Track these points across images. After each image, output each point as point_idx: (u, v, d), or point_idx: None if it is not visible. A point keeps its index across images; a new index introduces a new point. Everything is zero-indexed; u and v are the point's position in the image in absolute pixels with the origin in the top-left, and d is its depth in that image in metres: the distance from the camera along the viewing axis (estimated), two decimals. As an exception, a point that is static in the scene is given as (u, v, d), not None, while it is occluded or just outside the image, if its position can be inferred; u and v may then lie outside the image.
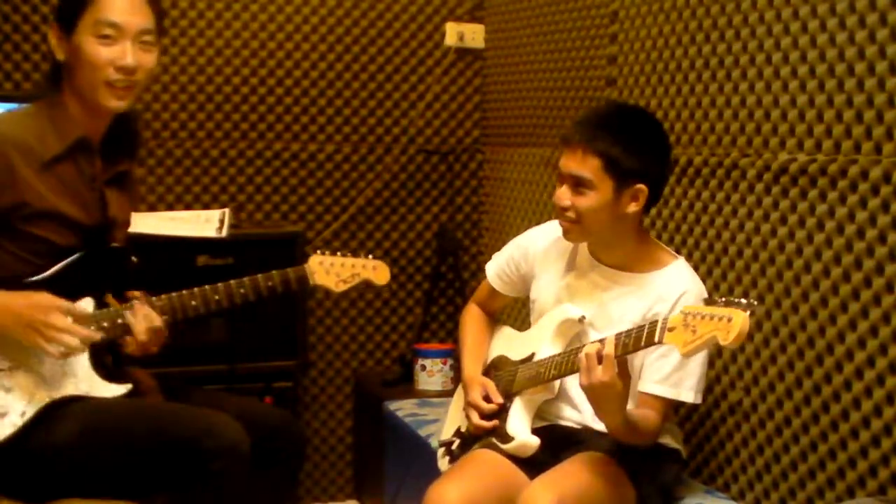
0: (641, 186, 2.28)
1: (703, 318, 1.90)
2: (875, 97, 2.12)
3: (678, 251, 2.54)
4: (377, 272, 2.50)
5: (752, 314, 1.87)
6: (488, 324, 2.69)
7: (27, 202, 2.20)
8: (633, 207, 2.30)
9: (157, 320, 2.28)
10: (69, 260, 2.26)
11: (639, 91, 2.87)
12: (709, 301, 1.94)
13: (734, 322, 1.85)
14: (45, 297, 2.17)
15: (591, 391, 2.11)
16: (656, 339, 2.00)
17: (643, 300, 2.34)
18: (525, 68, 3.55)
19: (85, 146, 2.30)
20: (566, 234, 2.38)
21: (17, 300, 2.15)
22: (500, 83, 3.76)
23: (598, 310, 2.38)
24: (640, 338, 2.04)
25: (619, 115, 2.37)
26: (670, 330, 1.97)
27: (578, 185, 2.28)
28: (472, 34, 3.84)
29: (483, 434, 2.43)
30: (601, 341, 2.10)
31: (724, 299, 1.91)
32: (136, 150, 2.49)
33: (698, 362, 2.29)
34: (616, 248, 2.38)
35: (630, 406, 2.22)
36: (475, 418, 2.43)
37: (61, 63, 2.28)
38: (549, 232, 2.51)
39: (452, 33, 3.82)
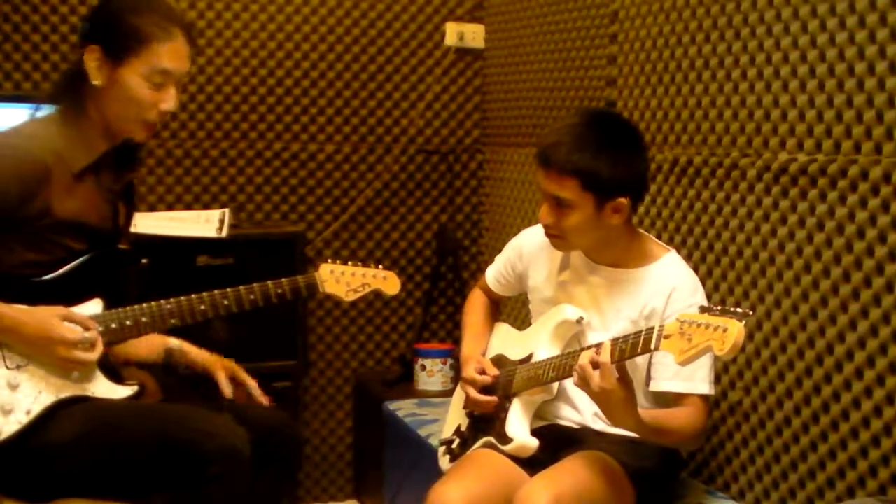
0: (622, 200, 2.27)
1: (698, 326, 1.90)
2: (875, 97, 2.12)
3: (678, 251, 2.53)
4: (388, 282, 2.50)
5: (746, 324, 1.87)
6: (492, 310, 2.72)
7: (52, 212, 2.20)
8: (616, 219, 2.30)
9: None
10: (77, 262, 2.26)
11: (639, 91, 2.87)
12: (704, 308, 1.94)
13: (729, 332, 1.85)
14: (56, 329, 2.17)
15: (594, 398, 2.11)
16: (652, 347, 2.00)
17: (638, 296, 2.34)
18: (525, 68, 3.55)
19: (108, 159, 2.30)
20: (554, 246, 2.41)
21: (29, 330, 2.17)
22: (500, 83, 3.76)
23: (593, 308, 2.39)
24: (637, 345, 2.04)
25: (590, 127, 2.30)
26: (666, 338, 1.97)
27: (559, 204, 2.29)
28: (472, 34, 3.84)
29: (482, 425, 2.45)
30: (597, 348, 2.10)
31: (719, 308, 1.91)
32: (140, 163, 2.49)
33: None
34: (607, 249, 2.38)
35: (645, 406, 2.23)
36: (472, 393, 2.44)
37: (91, 84, 2.26)
38: (542, 231, 2.52)
39: (452, 33, 3.82)
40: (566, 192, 2.26)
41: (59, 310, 2.19)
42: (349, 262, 2.48)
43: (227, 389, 2.43)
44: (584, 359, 2.08)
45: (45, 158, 2.20)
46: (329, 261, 2.47)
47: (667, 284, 2.32)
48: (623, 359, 2.07)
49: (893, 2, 2.08)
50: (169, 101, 2.27)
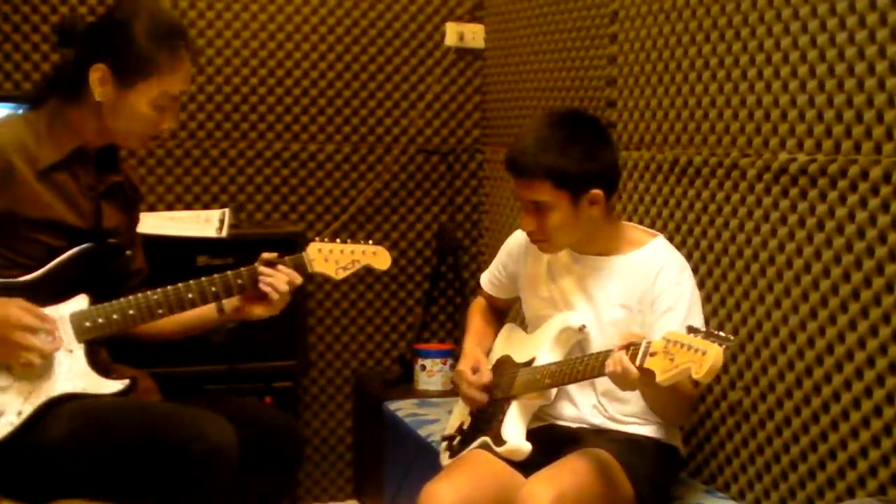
0: (596, 192, 2.32)
1: (681, 346, 1.93)
2: (875, 97, 2.12)
3: (678, 251, 2.54)
4: (377, 257, 2.47)
5: (726, 349, 1.89)
6: (494, 315, 2.74)
7: (18, 211, 2.20)
8: (594, 211, 2.34)
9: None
10: (59, 259, 2.25)
11: (639, 91, 2.87)
12: (692, 329, 1.96)
13: (707, 356, 1.88)
14: (13, 313, 2.15)
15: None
16: (637, 363, 2.03)
17: (627, 281, 2.37)
18: (525, 68, 3.55)
19: (82, 156, 2.30)
20: (542, 250, 2.44)
21: None
22: (500, 83, 3.76)
23: (583, 298, 2.42)
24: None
25: (552, 127, 2.36)
26: (652, 355, 2.00)
27: (537, 208, 2.33)
28: (472, 34, 3.84)
29: (477, 420, 2.46)
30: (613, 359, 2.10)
31: (704, 330, 1.94)
32: (119, 166, 2.45)
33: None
34: (592, 240, 2.42)
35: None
36: (463, 386, 2.48)
37: (89, 95, 2.25)
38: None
39: (452, 33, 3.82)
40: (541, 194, 2.30)
41: (18, 301, 2.18)
42: (337, 240, 2.46)
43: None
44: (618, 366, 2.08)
45: (5, 152, 2.20)
46: (317, 239, 2.45)
47: (654, 266, 2.36)
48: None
49: (893, 2, 2.08)
50: (172, 119, 2.31)
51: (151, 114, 2.26)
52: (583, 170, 2.30)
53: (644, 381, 2.04)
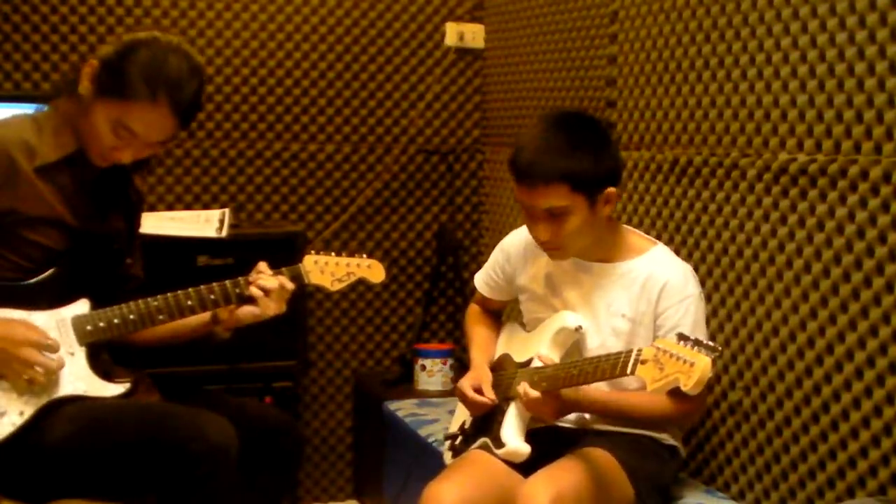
0: (611, 190, 2.31)
1: (671, 356, 1.94)
2: (875, 97, 2.12)
3: (678, 252, 2.54)
4: (372, 270, 2.50)
5: (714, 360, 1.90)
6: (492, 320, 2.72)
7: (21, 210, 2.20)
8: (607, 210, 2.33)
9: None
10: (61, 263, 2.25)
11: (639, 91, 2.87)
12: (682, 336, 1.96)
13: (696, 367, 1.89)
14: (18, 331, 2.17)
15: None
16: (629, 371, 2.05)
17: (629, 292, 2.36)
18: (525, 68, 3.55)
19: (84, 158, 2.29)
20: (553, 258, 2.41)
21: None
22: (500, 83, 3.76)
23: (584, 305, 2.41)
24: (616, 366, 2.09)
25: (558, 130, 2.32)
26: (643, 363, 2.00)
27: (552, 214, 2.29)
28: (472, 34, 3.84)
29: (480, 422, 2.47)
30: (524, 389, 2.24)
31: (693, 339, 1.93)
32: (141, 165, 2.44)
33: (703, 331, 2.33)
34: (595, 245, 2.40)
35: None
36: (467, 393, 2.46)
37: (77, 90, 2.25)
38: (526, 232, 2.52)
39: (452, 33, 3.82)
40: (557, 199, 2.26)
41: (21, 319, 2.19)
42: (333, 253, 2.48)
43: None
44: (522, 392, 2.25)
45: (8, 149, 2.20)
46: (313, 251, 2.47)
47: (656, 280, 2.34)
48: (602, 379, 2.16)
49: (893, 2, 2.08)
50: (124, 155, 2.25)
51: (108, 133, 2.22)
52: (597, 170, 2.28)
53: (569, 405, 2.18)
